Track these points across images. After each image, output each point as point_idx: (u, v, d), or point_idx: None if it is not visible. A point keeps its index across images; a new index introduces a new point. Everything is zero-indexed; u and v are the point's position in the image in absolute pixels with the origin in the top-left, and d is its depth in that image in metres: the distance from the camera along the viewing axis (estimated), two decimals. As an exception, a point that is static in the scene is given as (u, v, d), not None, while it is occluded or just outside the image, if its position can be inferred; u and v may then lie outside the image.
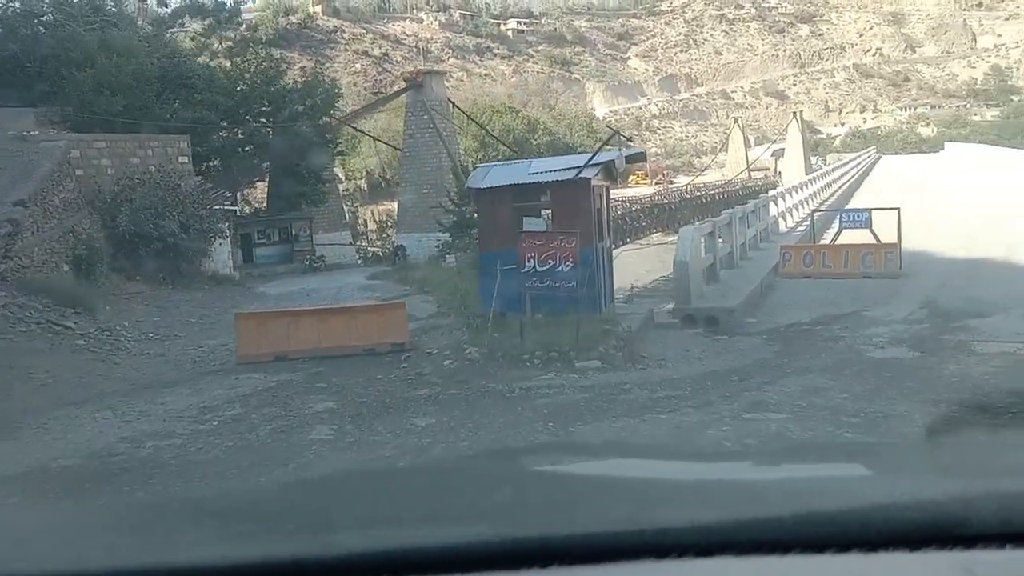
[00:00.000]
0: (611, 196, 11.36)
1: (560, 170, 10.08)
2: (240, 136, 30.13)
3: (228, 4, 41.75)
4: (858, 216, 15.52)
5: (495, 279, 9.35)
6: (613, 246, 13.08)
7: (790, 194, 23.45)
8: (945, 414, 3.57)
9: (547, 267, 8.65)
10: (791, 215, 23.19)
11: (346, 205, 65.27)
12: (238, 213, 30.72)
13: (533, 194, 10.27)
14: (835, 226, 16.62)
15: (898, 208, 15.25)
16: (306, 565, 1.06)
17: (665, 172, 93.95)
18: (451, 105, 41.94)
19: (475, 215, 11.34)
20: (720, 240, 14.65)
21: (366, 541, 1.13)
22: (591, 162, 9.90)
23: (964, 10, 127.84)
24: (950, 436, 2.42)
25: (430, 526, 1.20)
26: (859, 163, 50.70)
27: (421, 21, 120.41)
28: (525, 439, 6.13)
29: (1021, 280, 13.37)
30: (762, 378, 8.11)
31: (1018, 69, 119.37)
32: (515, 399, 7.50)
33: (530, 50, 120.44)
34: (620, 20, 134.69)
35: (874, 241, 15.06)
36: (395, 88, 49.61)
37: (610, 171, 10.77)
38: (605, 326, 9.23)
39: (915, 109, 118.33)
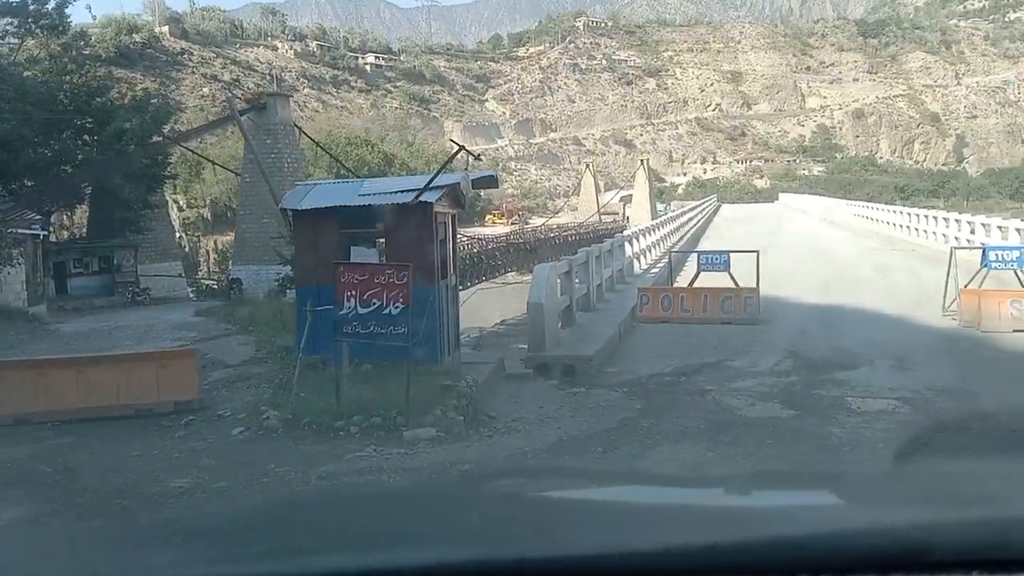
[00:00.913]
0: (458, 227, 9.83)
1: (397, 192, 8.46)
2: (56, 153, 26.50)
3: (51, 8, 37.48)
4: (717, 259, 14.83)
5: (312, 321, 7.56)
6: (464, 285, 11.54)
7: (644, 235, 22.97)
8: (912, 442, 3.34)
9: (371, 308, 6.91)
10: (646, 256, 22.66)
11: (187, 234, 60.94)
12: (52, 239, 27.09)
13: (365, 220, 8.58)
14: (693, 267, 15.90)
15: (757, 251, 14.72)
16: None
17: (521, 212, 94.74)
18: (298, 131, 39.48)
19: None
20: (577, 280, 13.48)
21: (338, 562, 1.11)
22: (432, 184, 8.35)
23: (794, 72, 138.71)
24: (917, 465, 2.39)
25: (404, 548, 1.19)
26: (703, 209, 52.47)
27: (276, 49, 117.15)
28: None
29: (873, 327, 13.04)
30: (630, 448, 6.75)
31: (840, 129, 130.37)
32: (308, 500, 5.45)
33: (388, 85, 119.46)
34: (478, 63, 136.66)
35: (733, 285, 14.40)
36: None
37: (457, 197, 9.27)
38: (445, 381, 7.60)
39: (751, 162, 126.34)
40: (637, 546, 1.13)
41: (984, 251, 13.55)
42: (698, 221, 41.63)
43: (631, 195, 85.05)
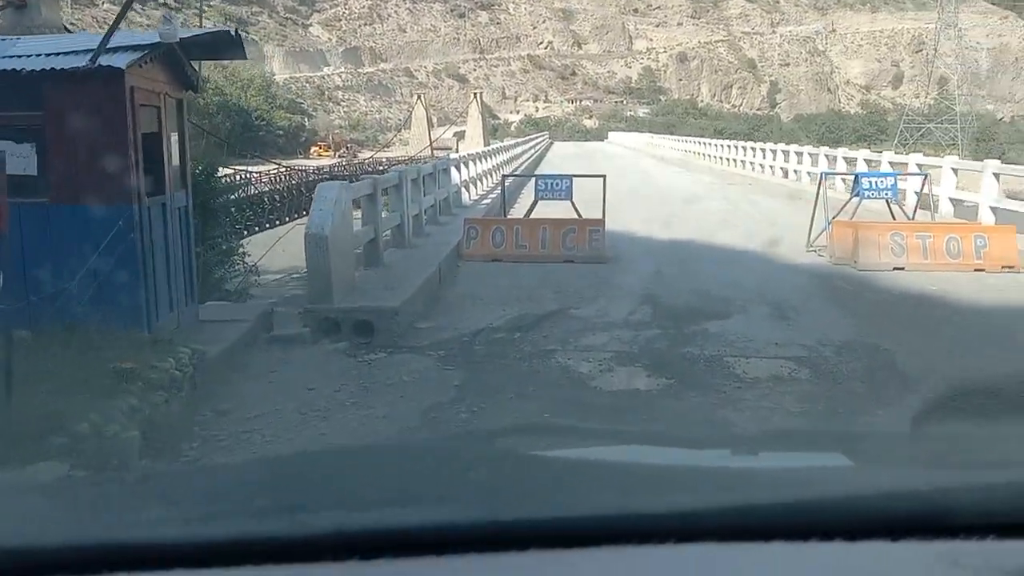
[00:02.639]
0: (187, 115, 6.45)
1: (65, 53, 5.18)
2: None
3: None
4: (557, 184, 12.38)
5: None
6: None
7: (475, 161, 20.27)
8: (928, 404, 3.12)
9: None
10: (478, 185, 20.03)
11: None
12: None
13: (14, 98, 5.24)
14: (529, 198, 13.43)
15: (603, 176, 12.41)
16: (276, 544, 1.01)
17: (349, 145, 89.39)
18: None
19: None
20: (385, 209, 10.61)
21: (339, 520, 1.07)
22: (122, 42, 5.06)
23: (623, 13, 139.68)
24: (933, 426, 2.31)
25: (406, 506, 1.16)
26: (536, 144, 50.70)
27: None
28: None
29: (734, 266, 11.23)
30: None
31: (665, 72, 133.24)
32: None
33: (202, 4, 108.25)
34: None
35: (576, 216, 12.08)
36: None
37: (181, 71, 6.02)
38: (126, 362, 4.51)
39: (581, 102, 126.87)
40: (646, 507, 1.11)
41: (856, 178, 12.00)
42: (532, 155, 39.54)
43: (464, 131, 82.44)
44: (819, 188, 11.55)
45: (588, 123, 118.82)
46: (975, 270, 10.20)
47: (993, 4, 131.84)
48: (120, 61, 5.09)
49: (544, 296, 9.36)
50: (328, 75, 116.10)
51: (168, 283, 5.86)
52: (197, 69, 6.16)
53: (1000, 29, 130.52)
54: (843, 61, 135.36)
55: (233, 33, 5.90)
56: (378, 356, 6.88)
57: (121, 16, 5.20)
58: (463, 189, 17.93)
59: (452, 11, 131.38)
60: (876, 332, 7.53)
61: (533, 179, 13.38)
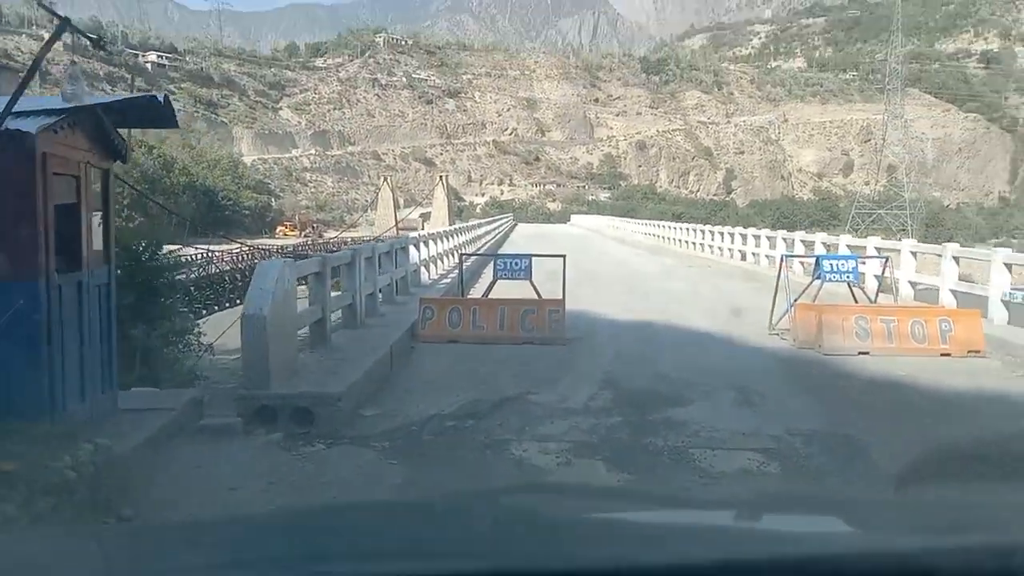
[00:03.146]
0: (112, 184, 5.92)
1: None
2: None
3: None
4: (516, 264, 12.09)
5: None
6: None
7: (436, 241, 20.00)
8: (915, 469, 3.25)
9: None
10: (438, 264, 19.69)
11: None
12: None
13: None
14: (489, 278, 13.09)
15: (563, 255, 12.15)
16: None
17: (315, 225, 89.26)
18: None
19: None
20: (337, 289, 10.16)
21: (355, 569, 1.15)
22: (28, 105, 4.62)
23: (585, 103, 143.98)
24: (921, 492, 2.65)
25: (417, 558, 1.22)
26: (500, 225, 50.92)
27: (42, 39, 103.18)
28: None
29: (696, 349, 10.92)
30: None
31: (625, 159, 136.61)
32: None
33: (172, 86, 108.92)
34: (273, 70, 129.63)
35: (535, 296, 11.74)
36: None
37: (109, 140, 5.57)
38: (6, 463, 3.89)
39: (544, 186, 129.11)
40: (646, 562, 1.14)
41: (818, 261, 11.87)
42: (496, 236, 39.58)
43: (430, 212, 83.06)
44: (780, 270, 11.40)
45: (552, 206, 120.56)
46: (941, 355, 9.97)
47: (936, 97, 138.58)
48: (30, 125, 4.67)
49: (500, 380, 8.89)
50: (296, 157, 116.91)
51: (80, 368, 5.30)
52: (125, 138, 5.76)
53: (944, 120, 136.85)
54: (795, 150, 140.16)
55: (160, 99, 5.53)
56: (316, 448, 6.32)
57: (29, 76, 4.82)
58: (423, 268, 17.57)
59: (420, 98, 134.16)
60: (846, 420, 7.17)
61: (492, 259, 13.08)
